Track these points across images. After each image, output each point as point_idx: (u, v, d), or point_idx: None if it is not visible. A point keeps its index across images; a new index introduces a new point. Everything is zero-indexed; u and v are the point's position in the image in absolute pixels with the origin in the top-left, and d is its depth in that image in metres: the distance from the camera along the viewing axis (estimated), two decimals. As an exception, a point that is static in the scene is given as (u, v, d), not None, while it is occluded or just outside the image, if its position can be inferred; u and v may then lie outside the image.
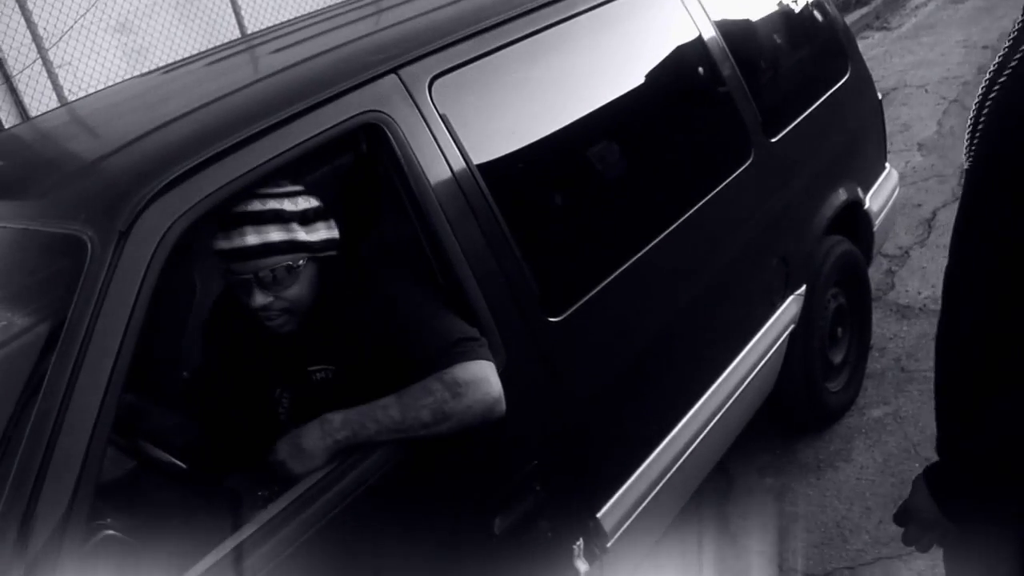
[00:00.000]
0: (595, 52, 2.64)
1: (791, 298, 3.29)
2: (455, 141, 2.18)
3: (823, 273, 3.44)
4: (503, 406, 2.00)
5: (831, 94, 3.56)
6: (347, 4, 3.16)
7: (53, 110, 2.83)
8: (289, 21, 3.24)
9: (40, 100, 6.93)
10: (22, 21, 6.76)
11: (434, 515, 2.05)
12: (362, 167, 2.44)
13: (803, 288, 3.33)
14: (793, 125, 3.30)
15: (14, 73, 6.87)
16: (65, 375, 1.58)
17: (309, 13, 3.35)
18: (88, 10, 7.00)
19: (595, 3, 2.62)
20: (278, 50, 2.52)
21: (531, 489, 2.23)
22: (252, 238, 1.95)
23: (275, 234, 1.97)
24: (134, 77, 3.11)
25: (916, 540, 1.63)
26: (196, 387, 2.49)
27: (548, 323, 2.27)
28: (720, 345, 2.99)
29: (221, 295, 2.44)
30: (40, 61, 6.84)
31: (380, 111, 2.08)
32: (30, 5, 6.75)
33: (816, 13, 3.78)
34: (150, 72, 3.08)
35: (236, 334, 2.29)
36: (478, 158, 2.21)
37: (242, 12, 7.83)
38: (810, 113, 3.40)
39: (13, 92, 6.95)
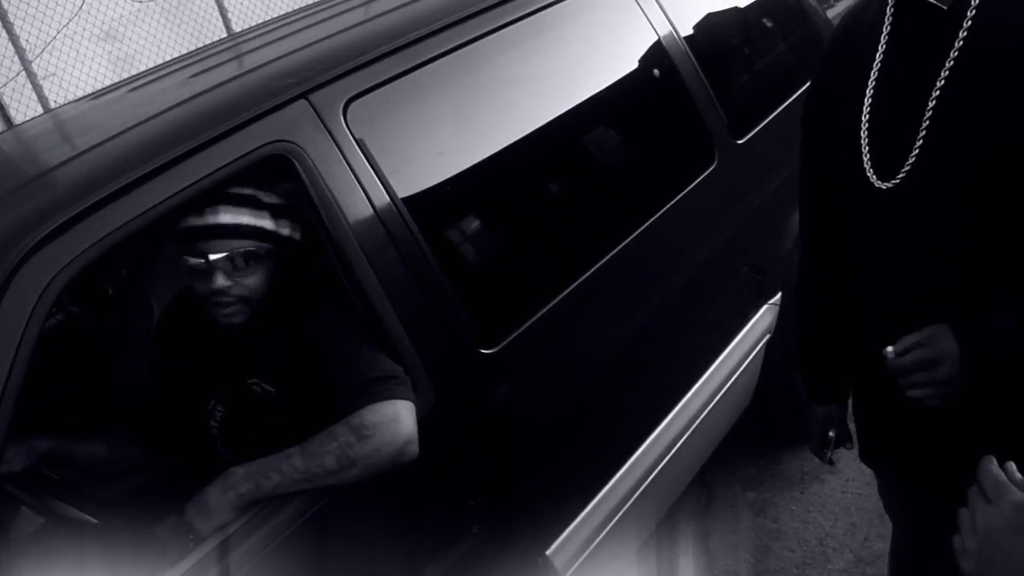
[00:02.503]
0: (532, 62, 2.50)
1: (765, 307, 3.15)
2: (373, 168, 2.05)
3: (800, 278, 3.29)
4: (415, 448, 1.88)
5: (805, 91, 3.40)
6: (295, 14, 3.05)
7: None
8: (219, 41, 3.15)
9: (26, 113, 6.85)
10: (3, 33, 6.68)
11: (356, 571, 1.94)
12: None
13: (778, 296, 3.18)
14: (762, 126, 3.14)
15: (-1, 86, 6.81)
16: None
17: (260, 24, 3.24)
18: (71, 19, 6.92)
19: (529, 9, 2.47)
20: (195, 75, 2.40)
21: (467, 532, 2.11)
22: (226, 217, 1.94)
23: (247, 218, 1.97)
24: (70, 103, 3.01)
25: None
26: (143, 403, 2.43)
27: (481, 355, 2.14)
28: (685, 361, 2.86)
29: (168, 306, 2.39)
30: (24, 73, 6.76)
31: (288, 140, 1.96)
32: (11, 16, 6.68)
33: (794, 6, 3.62)
34: (82, 98, 2.97)
35: (180, 345, 2.26)
36: (399, 184, 2.09)
37: (230, 17, 7.72)
38: (781, 112, 3.24)
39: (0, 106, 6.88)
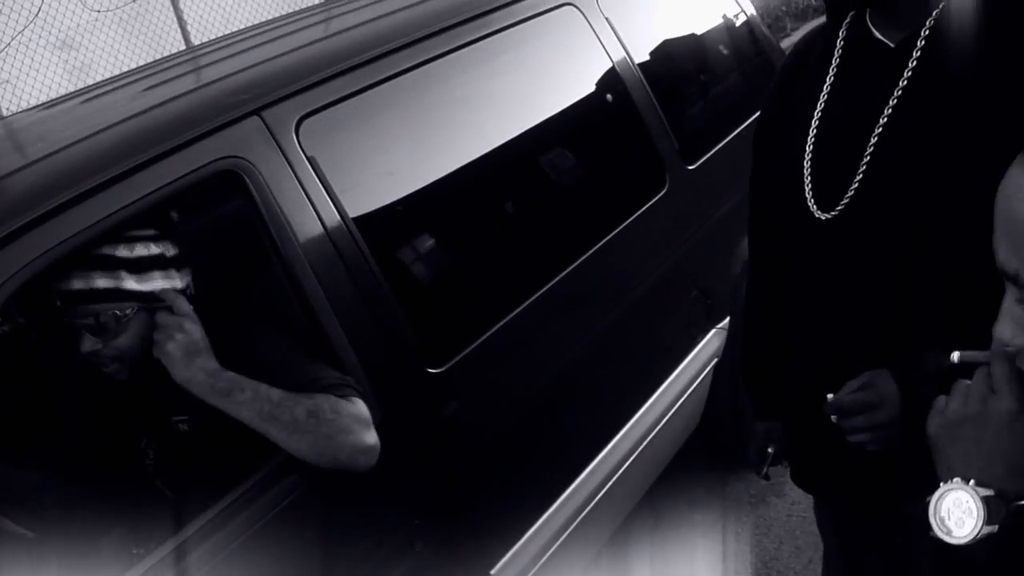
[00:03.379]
0: (486, 83, 2.53)
1: (714, 331, 3.19)
2: (324, 186, 2.06)
3: (748, 303, 3.34)
4: (373, 460, 1.88)
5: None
6: (250, 30, 3.05)
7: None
8: (187, 50, 3.13)
9: (-21, 119, 6.76)
10: (-42, 39, 6.60)
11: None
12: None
13: (727, 320, 3.23)
14: (713, 152, 3.19)
15: (-49, 92, 6.71)
16: None
17: (216, 38, 3.23)
18: (26, 26, 6.84)
19: (485, 32, 2.50)
20: (150, 88, 2.39)
21: (410, 549, 2.12)
22: (77, 283, 1.84)
23: (100, 280, 1.85)
24: (22, 111, 2.98)
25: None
26: (79, 432, 2.38)
27: (428, 374, 2.15)
28: (634, 382, 2.88)
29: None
30: (-23, 79, 6.68)
31: (239, 156, 1.96)
32: (-34, 22, 6.60)
33: (747, 35, 3.69)
34: (35, 107, 2.95)
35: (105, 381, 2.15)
36: (350, 202, 2.09)
37: (188, 28, 7.68)
38: (733, 138, 3.29)
39: (-49, 111, 6.78)
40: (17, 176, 1.85)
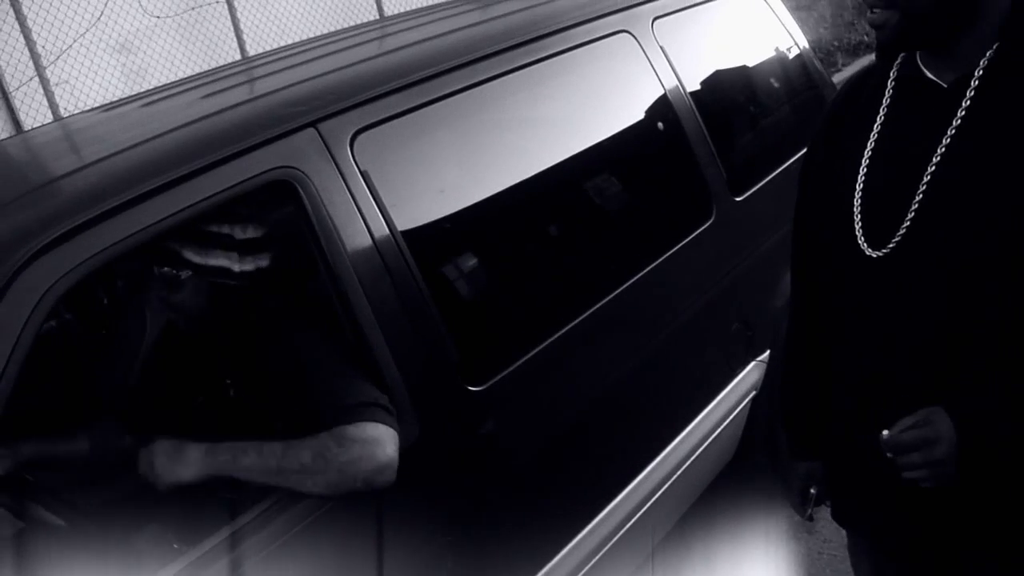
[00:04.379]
0: (539, 107, 2.54)
1: (753, 363, 3.17)
2: (375, 200, 2.08)
3: (789, 337, 3.32)
4: (391, 475, 1.88)
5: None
6: (306, 44, 3.10)
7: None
8: (244, 60, 3.18)
9: (36, 118, 6.91)
10: (21, 38, 6.75)
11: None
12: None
13: (767, 353, 3.21)
14: (762, 184, 3.18)
15: (11, 90, 6.85)
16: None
17: (273, 50, 3.28)
18: (88, 29, 6.99)
19: (540, 55, 2.52)
20: (208, 95, 2.44)
21: (441, 566, 2.12)
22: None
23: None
24: (82, 112, 3.04)
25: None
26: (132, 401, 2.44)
27: (467, 392, 2.16)
28: (671, 411, 2.87)
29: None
30: (37, 79, 6.82)
31: (294, 167, 1.99)
32: (30, 23, 6.74)
33: (799, 69, 3.68)
34: (93, 109, 3.01)
35: (172, 353, 2.30)
36: (400, 217, 2.12)
37: (244, 37, 7.80)
38: (781, 172, 3.28)
39: (10, 109, 6.93)
40: (77, 176, 1.89)
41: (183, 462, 1.89)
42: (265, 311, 2.12)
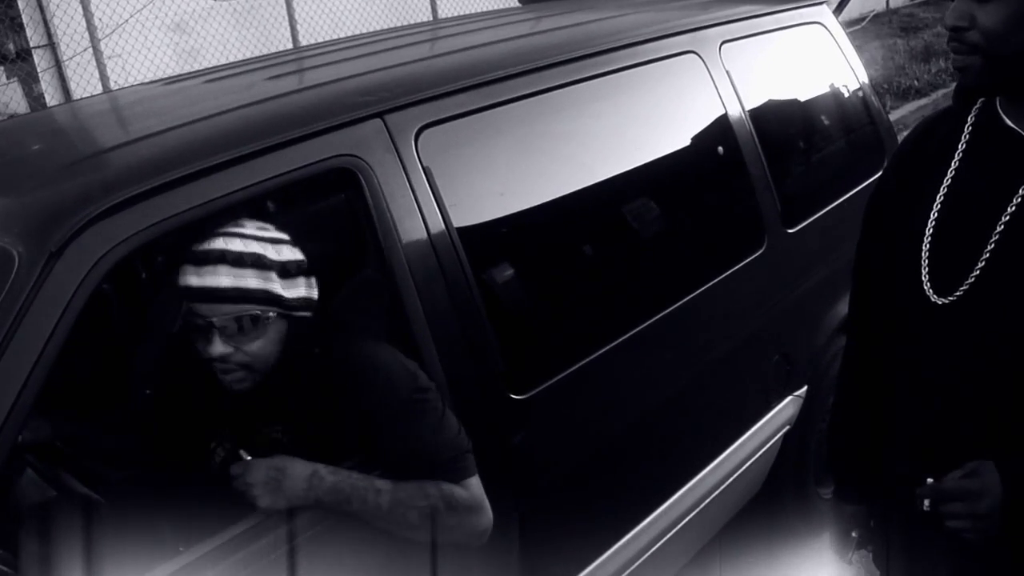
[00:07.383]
0: (602, 119, 2.51)
1: (790, 398, 3.12)
2: (435, 196, 2.06)
3: (829, 375, 3.27)
4: (485, 539, 1.92)
5: (860, 190, 3.40)
6: (368, 36, 3.08)
7: (42, 110, 2.76)
8: (308, 46, 3.17)
9: (86, 88, 6.95)
10: (80, 8, 6.80)
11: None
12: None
13: (804, 389, 3.16)
14: (815, 218, 3.14)
15: (64, 59, 6.90)
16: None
17: (335, 39, 3.28)
18: (145, 6, 7.03)
19: (607, 68, 2.49)
20: (274, 77, 2.42)
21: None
22: (226, 279, 1.76)
23: (252, 280, 1.77)
24: (141, 84, 3.04)
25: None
26: (150, 410, 2.39)
27: (510, 400, 2.13)
28: (705, 438, 2.83)
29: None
30: (91, 50, 6.86)
31: (357, 156, 1.97)
32: (89, -5, 6.81)
33: (859, 105, 3.63)
34: (154, 82, 3.00)
35: (191, 365, 2.07)
36: (458, 216, 2.09)
37: (298, 26, 7.83)
38: (835, 207, 3.24)
39: (62, 78, 6.98)
40: (141, 144, 1.87)
41: (281, 494, 1.76)
42: (330, 326, 1.95)
